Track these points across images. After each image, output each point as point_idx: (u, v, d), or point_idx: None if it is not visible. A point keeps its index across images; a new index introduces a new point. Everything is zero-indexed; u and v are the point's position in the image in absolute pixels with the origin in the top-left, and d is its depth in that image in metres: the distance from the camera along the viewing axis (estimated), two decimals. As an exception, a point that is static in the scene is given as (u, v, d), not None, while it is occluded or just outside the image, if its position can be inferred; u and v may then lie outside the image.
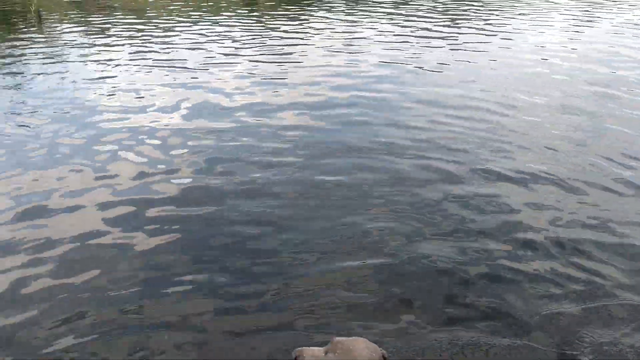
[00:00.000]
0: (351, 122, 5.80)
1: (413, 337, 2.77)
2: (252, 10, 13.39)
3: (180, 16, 12.29)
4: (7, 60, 8.14)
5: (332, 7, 14.03)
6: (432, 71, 7.84)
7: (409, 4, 14.39)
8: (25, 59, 8.22)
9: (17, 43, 9.24)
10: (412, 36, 10.06)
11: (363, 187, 4.34)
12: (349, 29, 10.89)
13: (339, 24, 11.44)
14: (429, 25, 11.13)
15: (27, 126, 5.56)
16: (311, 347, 1.94)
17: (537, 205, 4.10)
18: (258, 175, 4.52)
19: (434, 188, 4.32)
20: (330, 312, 2.94)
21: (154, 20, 11.64)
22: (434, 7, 13.91)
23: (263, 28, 10.88)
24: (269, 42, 9.52)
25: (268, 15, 12.60)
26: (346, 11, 13.41)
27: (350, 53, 8.81)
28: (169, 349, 2.66)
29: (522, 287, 3.17)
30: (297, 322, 2.87)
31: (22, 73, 7.48)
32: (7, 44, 9.24)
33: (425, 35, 10.17)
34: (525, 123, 5.81)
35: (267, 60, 8.29)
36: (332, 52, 8.88)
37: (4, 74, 7.45)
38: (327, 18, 12.14)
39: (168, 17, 12.14)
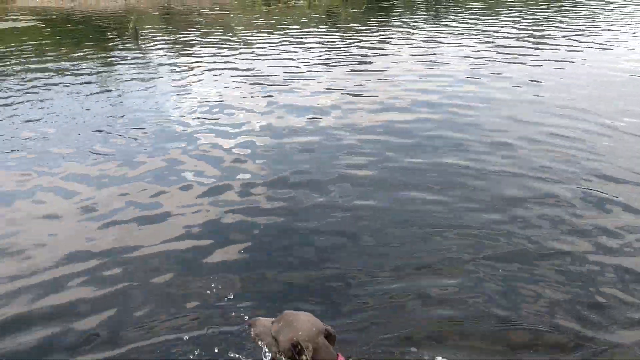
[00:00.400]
0: (438, 137, 5.58)
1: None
2: (334, 25, 13.55)
3: (264, 31, 12.48)
4: (106, 74, 8.50)
5: (412, 22, 13.92)
6: (521, 87, 7.57)
7: (490, 18, 14.14)
8: (123, 73, 8.55)
9: (115, 57, 9.67)
10: (495, 51, 9.80)
11: (450, 205, 4.11)
12: (430, 43, 10.71)
13: (419, 38, 11.27)
14: (510, 41, 10.89)
15: (122, 136, 5.69)
16: (263, 318, 2.08)
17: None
18: (337, 188, 4.45)
19: (529, 210, 4.02)
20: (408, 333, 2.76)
21: (239, 35, 11.88)
22: (514, 21, 13.64)
23: (345, 42, 10.87)
24: (351, 56, 9.49)
25: (350, 30, 12.63)
26: (426, 26, 13.26)
27: (432, 68, 8.60)
28: None
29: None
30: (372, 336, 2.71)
31: (119, 86, 7.75)
32: (106, 59, 9.69)
33: (508, 50, 9.92)
34: (629, 145, 5.49)
35: (349, 75, 8.21)
36: (414, 66, 8.66)
37: (102, 86, 7.75)
38: (408, 32, 12.04)
39: (253, 32, 12.36)
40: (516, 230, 3.74)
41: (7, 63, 9.12)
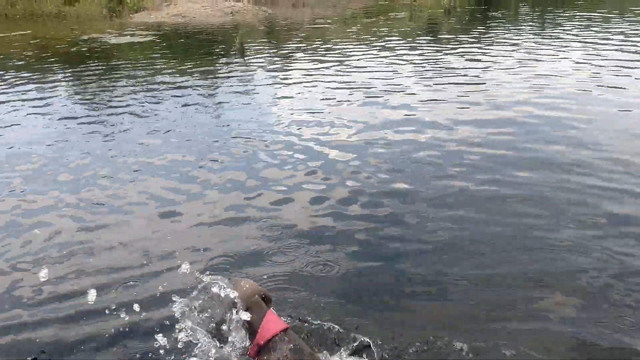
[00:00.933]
0: (541, 151, 5.35)
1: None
2: (435, 37, 13.35)
3: (364, 43, 12.50)
4: (213, 86, 8.90)
5: (516, 32, 13.41)
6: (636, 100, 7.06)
7: (599, 29, 13.31)
8: (229, 85, 8.91)
9: (222, 70, 10.12)
10: (604, 63, 9.18)
11: (561, 221, 3.91)
12: (535, 54, 10.30)
13: (523, 49, 10.90)
14: (620, 53, 10.13)
15: (234, 146, 5.90)
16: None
17: None
18: (439, 200, 4.45)
19: None
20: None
21: (339, 47, 11.98)
22: (621, 31, 12.74)
23: (446, 54, 10.68)
24: (452, 68, 9.32)
25: (451, 41, 12.36)
26: (531, 36, 12.73)
27: (537, 79, 8.27)
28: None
29: None
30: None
31: (226, 98, 8.08)
32: (214, 71, 10.15)
33: (618, 62, 9.24)
34: None
35: (449, 87, 8.09)
36: (518, 78, 8.43)
37: (209, 98, 8.11)
38: (511, 43, 11.62)
39: (353, 44, 12.41)
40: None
41: (124, 75, 9.74)
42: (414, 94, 7.82)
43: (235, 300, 2.37)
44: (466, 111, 6.87)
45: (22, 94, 8.47)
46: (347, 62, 10.24)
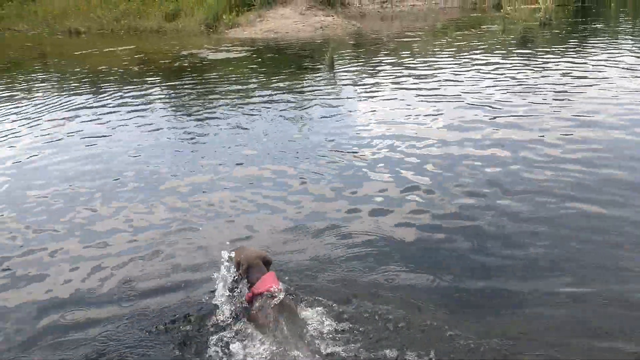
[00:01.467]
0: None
1: None
2: (527, 48, 13.03)
3: (454, 56, 12.37)
4: (303, 100, 9.12)
5: (616, 46, 12.76)
6: None
7: None
8: (319, 98, 9.11)
9: (312, 84, 10.36)
10: None
11: None
12: (635, 69, 9.79)
13: (624, 64, 10.35)
14: None
15: (324, 157, 6.14)
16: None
17: None
18: (534, 209, 4.53)
19: None
20: None
21: (429, 61, 11.92)
22: None
23: (538, 67, 10.37)
24: (544, 81, 9.14)
25: (546, 54, 11.96)
26: (632, 50, 12.10)
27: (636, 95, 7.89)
28: None
29: None
30: None
31: (315, 111, 8.33)
32: (304, 85, 10.42)
33: None
34: None
35: (541, 100, 8.00)
36: (616, 92, 8.16)
37: (299, 111, 8.33)
38: (611, 58, 11.07)
39: (442, 57, 12.32)
40: None
41: (221, 89, 10.20)
42: (504, 108, 7.70)
43: (240, 262, 3.23)
44: (558, 127, 6.71)
45: (127, 105, 9.14)
46: (437, 75, 10.21)
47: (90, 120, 8.28)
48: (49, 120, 8.36)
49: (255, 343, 2.87)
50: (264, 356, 2.77)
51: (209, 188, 5.38)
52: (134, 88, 10.65)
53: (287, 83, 10.54)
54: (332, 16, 20.81)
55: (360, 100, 8.77)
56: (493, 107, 7.71)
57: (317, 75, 11.25)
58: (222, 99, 9.44)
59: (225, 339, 2.95)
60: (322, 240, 4.22)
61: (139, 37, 19.98)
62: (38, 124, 8.21)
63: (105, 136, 7.40)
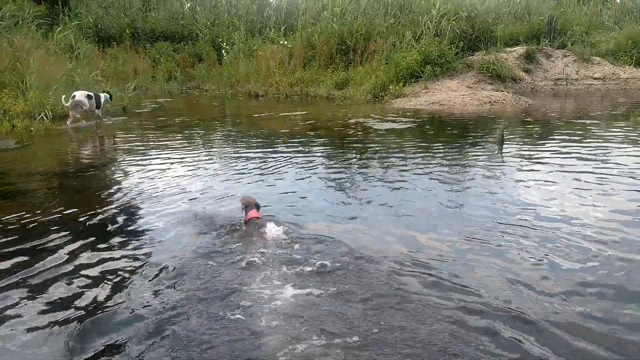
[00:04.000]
0: None
1: None
2: None
3: (631, 143, 11.33)
4: (466, 175, 8.85)
5: None
6: None
7: None
8: (484, 176, 8.82)
9: (477, 160, 10.07)
10: None
11: None
12: None
13: None
14: None
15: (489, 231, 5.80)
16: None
17: None
18: None
19: None
20: None
21: (602, 145, 10.99)
22: None
23: None
24: None
25: None
26: None
27: None
28: None
29: None
30: None
31: (478, 188, 7.98)
32: (468, 160, 10.22)
33: None
34: None
35: None
36: None
37: (460, 186, 8.08)
38: None
39: (617, 143, 11.32)
40: None
41: (383, 157, 10.32)
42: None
43: (242, 203, 6.15)
44: None
45: (297, 164, 9.63)
46: (609, 161, 9.44)
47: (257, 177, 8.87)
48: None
49: (245, 239, 5.62)
50: (246, 243, 5.52)
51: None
52: (301, 150, 11.26)
53: (450, 157, 10.43)
54: (502, 91, 20.43)
55: (532, 184, 8.32)
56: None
57: (484, 151, 10.97)
58: (382, 167, 9.61)
59: (235, 238, 5.71)
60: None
61: (310, 103, 21.27)
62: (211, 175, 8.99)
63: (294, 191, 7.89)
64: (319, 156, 10.87)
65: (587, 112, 17.06)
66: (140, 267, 5.34)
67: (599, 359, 3.71)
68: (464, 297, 4.52)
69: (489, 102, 18.12)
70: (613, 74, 24.19)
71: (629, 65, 24.88)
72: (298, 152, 11.17)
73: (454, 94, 19.43)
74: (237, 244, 5.50)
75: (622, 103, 19.11)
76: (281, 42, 26.69)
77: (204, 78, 28.54)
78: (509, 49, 25.27)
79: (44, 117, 15.30)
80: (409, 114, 16.84)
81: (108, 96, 16.26)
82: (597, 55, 25.55)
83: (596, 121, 14.93)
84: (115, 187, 8.49)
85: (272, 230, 5.56)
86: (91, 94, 15.30)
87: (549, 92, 22.79)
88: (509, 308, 4.34)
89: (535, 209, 6.94)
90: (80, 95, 14.89)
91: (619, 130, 13.11)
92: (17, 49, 18.42)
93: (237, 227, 5.98)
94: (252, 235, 5.58)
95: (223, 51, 28.98)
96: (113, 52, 29.12)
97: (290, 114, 17.69)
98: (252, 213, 5.87)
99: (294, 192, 7.98)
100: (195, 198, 7.65)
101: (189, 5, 35.20)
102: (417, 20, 24.77)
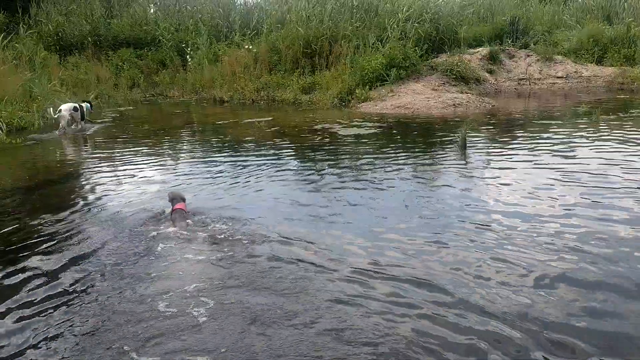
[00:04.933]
0: None
1: None
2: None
3: (597, 139, 11.43)
4: (431, 178, 8.79)
5: None
6: None
7: None
8: (451, 178, 8.83)
9: (444, 164, 10.07)
10: None
11: None
12: None
13: None
14: None
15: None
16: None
17: None
18: None
19: None
20: None
21: (567, 143, 11.07)
22: None
23: None
24: None
25: None
26: None
27: None
28: None
29: None
30: None
31: (443, 191, 7.92)
32: (432, 164, 10.15)
33: None
34: None
35: None
36: None
37: (427, 188, 8.02)
38: None
39: (584, 139, 11.41)
40: None
41: (350, 165, 10.22)
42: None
43: (169, 196, 7.28)
44: None
45: (264, 170, 9.47)
46: (578, 158, 9.57)
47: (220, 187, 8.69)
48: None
49: (169, 227, 6.76)
50: (170, 231, 6.64)
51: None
52: (269, 159, 11.09)
53: (416, 160, 10.42)
54: (466, 93, 20.55)
55: (494, 184, 8.35)
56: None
57: (447, 155, 10.98)
58: (351, 173, 9.53)
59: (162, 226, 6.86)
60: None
61: (277, 109, 21.07)
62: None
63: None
64: (283, 164, 10.80)
65: (550, 112, 17.29)
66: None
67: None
68: (433, 295, 5.04)
69: (453, 104, 18.20)
70: (575, 72, 24.57)
71: (591, 63, 25.29)
72: (263, 160, 11.06)
73: (419, 97, 19.46)
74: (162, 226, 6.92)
75: (585, 102, 19.43)
76: (246, 46, 26.40)
77: (168, 85, 28.04)
78: (472, 50, 25.45)
79: (-1, 130, 14.80)
80: (374, 118, 16.79)
81: (89, 105, 16.73)
82: (559, 54, 25.92)
83: (559, 121, 15.12)
84: (65, 204, 8.21)
85: (187, 218, 6.91)
86: (77, 105, 15.81)
87: (512, 92, 23.05)
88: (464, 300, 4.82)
89: (497, 209, 7.08)
90: (65, 109, 15.36)
91: (582, 129, 13.29)
92: (-30, 59, 17.81)
93: (166, 216, 7.19)
94: (174, 220, 6.85)
95: (187, 56, 28.51)
96: (74, 60, 28.43)
97: (255, 120, 17.46)
98: (178, 205, 7.01)
99: (259, 197, 8.43)
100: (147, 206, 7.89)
101: (152, 11, 34.65)
102: (382, 23, 24.74)
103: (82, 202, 8.41)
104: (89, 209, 8.00)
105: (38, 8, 30.75)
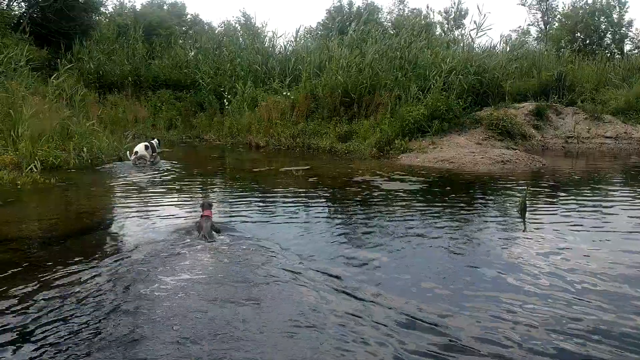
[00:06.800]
0: None
1: None
2: None
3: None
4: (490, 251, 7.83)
5: None
6: None
7: None
8: (505, 249, 7.78)
9: (497, 230, 9.03)
10: None
11: None
12: None
13: None
14: None
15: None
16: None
17: None
18: None
19: None
20: None
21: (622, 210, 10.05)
22: None
23: None
24: None
25: None
26: None
27: None
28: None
29: None
30: None
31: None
32: (489, 229, 9.15)
33: None
34: None
35: None
36: None
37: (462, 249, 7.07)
38: None
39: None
40: None
41: (399, 224, 9.34)
42: None
43: (200, 204, 8.75)
44: None
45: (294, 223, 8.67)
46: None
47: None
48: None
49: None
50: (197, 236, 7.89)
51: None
52: (303, 204, 10.31)
53: (467, 225, 9.49)
54: (514, 149, 19.67)
55: (557, 257, 7.36)
56: None
57: (504, 218, 10.05)
58: (395, 232, 8.68)
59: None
60: None
61: (313, 156, 20.49)
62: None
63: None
64: (323, 216, 10.11)
65: (609, 173, 16.24)
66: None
67: None
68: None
69: (502, 161, 17.29)
70: (625, 132, 23.51)
71: (640, 124, 24.28)
72: (301, 211, 10.40)
73: (463, 151, 18.66)
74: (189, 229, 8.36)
75: (635, 161, 18.34)
76: (284, 92, 26.17)
77: (205, 127, 27.91)
78: (517, 104, 24.71)
79: (34, 168, 14.45)
80: (417, 172, 15.98)
81: (157, 141, 18.08)
82: (607, 113, 24.96)
83: (618, 186, 14.07)
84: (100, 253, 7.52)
85: (207, 225, 7.99)
86: (147, 144, 17.04)
87: (559, 150, 22.06)
88: None
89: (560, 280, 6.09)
90: (140, 149, 16.66)
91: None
92: (11, 94, 17.75)
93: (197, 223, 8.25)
94: (200, 224, 8.06)
95: (225, 100, 28.44)
96: (113, 98, 28.65)
97: (293, 168, 16.83)
98: (206, 212, 8.18)
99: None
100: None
101: (192, 53, 35.07)
102: (422, 74, 24.28)
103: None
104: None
105: (81, 46, 31.35)
